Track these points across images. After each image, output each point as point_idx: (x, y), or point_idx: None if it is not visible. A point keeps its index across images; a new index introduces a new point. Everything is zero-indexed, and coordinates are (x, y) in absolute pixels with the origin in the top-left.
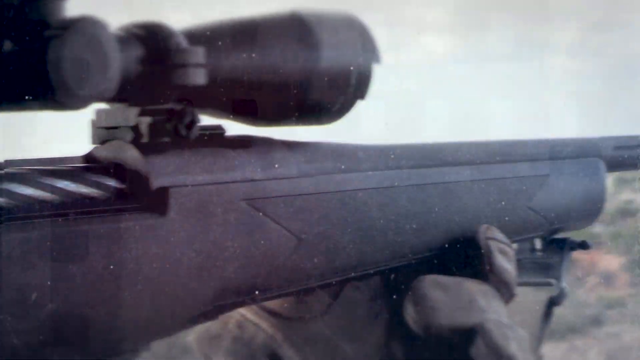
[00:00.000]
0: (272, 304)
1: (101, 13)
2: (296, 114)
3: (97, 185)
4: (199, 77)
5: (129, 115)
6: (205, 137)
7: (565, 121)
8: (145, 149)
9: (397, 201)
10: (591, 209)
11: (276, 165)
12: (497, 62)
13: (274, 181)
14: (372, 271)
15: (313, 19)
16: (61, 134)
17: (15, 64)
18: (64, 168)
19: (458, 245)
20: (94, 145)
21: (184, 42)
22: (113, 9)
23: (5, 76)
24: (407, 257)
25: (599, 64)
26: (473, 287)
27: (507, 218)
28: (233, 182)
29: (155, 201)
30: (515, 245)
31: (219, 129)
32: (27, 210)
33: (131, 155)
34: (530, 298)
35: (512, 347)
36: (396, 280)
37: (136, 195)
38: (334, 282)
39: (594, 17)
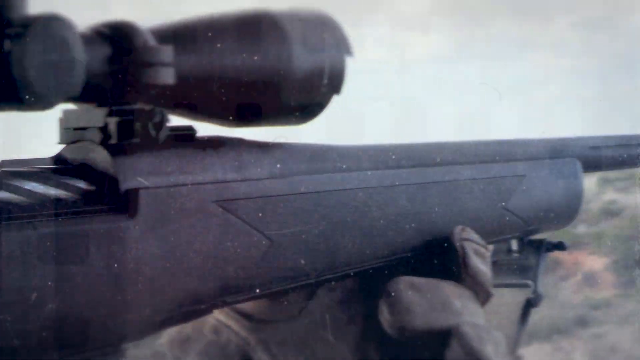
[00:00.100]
0: (246, 307)
1: (75, 13)
2: (270, 114)
3: (66, 187)
4: (167, 76)
5: (97, 115)
6: (176, 138)
7: (551, 121)
8: (114, 150)
9: (372, 202)
10: (569, 210)
11: (248, 167)
12: (485, 60)
13: (245, 182)
14: (346, 272)
15: (282, 15)
16: (30, 133)
17: None
18: (33, 169)
19: (433, 247)
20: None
21: (151, 41)
22: (82, 8)
23: None
24: (381, 259)
25: (589, 62)
26: (449, 289)
27: (482, 219)
28: (204, 183)
29: (125, 203)
30: (491, 247)
31: (189, 129)
32: None
33: (100, 157)
34: (507, 300)
35: (488, 350)
36: (371, 281)
37: (105, 197)
38: (308, 284)
39: (584, 14)
